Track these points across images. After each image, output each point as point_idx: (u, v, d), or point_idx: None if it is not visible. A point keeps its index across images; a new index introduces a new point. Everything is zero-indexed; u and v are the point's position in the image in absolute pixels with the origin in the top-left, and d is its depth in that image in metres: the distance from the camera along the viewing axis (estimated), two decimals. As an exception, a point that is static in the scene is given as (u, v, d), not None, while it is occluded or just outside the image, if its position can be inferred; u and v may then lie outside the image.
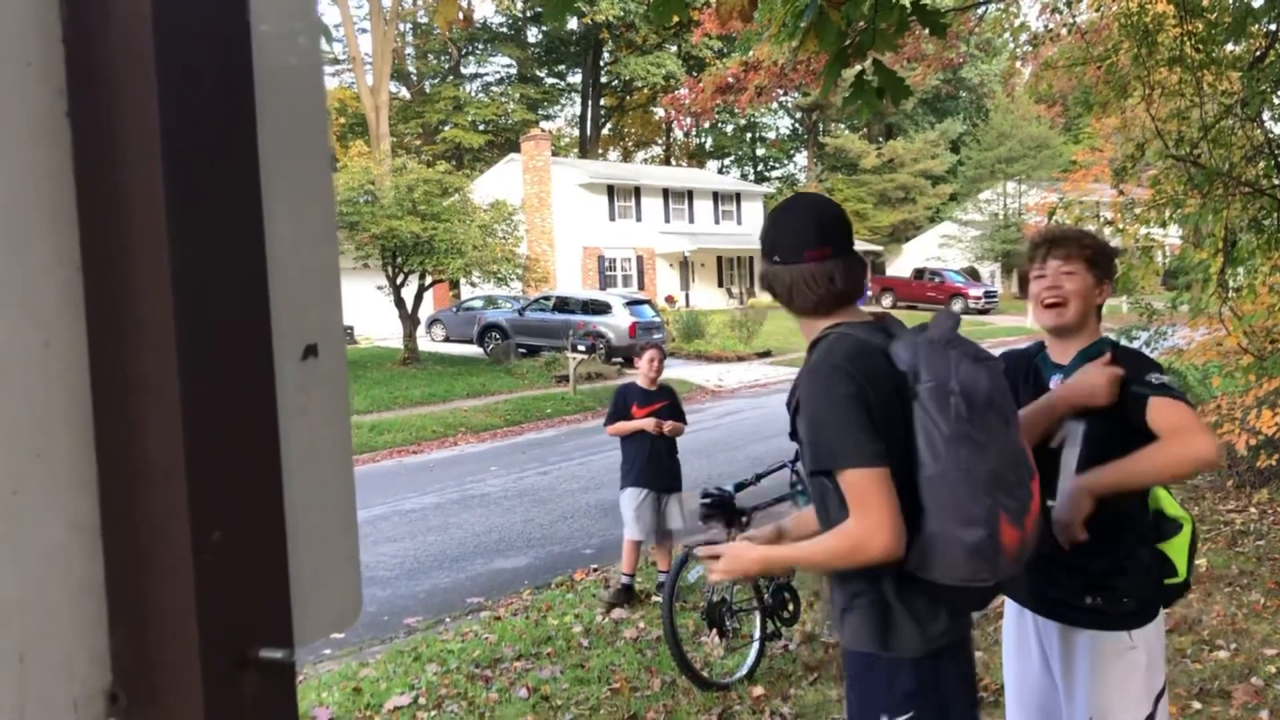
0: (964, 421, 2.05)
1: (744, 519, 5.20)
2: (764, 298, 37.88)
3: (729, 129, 57.57)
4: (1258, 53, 7.67)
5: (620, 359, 21.79)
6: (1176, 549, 2.62)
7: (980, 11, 11.52)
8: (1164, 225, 8.67)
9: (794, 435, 2.28)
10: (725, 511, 5.13)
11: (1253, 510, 7.36)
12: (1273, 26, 7.41)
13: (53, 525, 0.73)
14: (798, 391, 2.21)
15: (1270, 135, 7.59)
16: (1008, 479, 2.08)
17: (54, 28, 0.74)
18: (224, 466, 0.77)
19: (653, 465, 6.35)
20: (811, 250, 2.22)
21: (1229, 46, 7.89)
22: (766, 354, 25.19)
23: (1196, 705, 4.23)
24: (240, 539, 0.78)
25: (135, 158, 0.73)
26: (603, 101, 58.06)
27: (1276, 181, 7.32)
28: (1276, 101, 7.55)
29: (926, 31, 4.06)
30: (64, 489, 0.74)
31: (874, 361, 2.13)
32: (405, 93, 53.17)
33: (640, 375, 6.56)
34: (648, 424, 6.32)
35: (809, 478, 2.27)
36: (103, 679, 0.76)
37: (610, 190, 38.05)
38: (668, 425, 6.38)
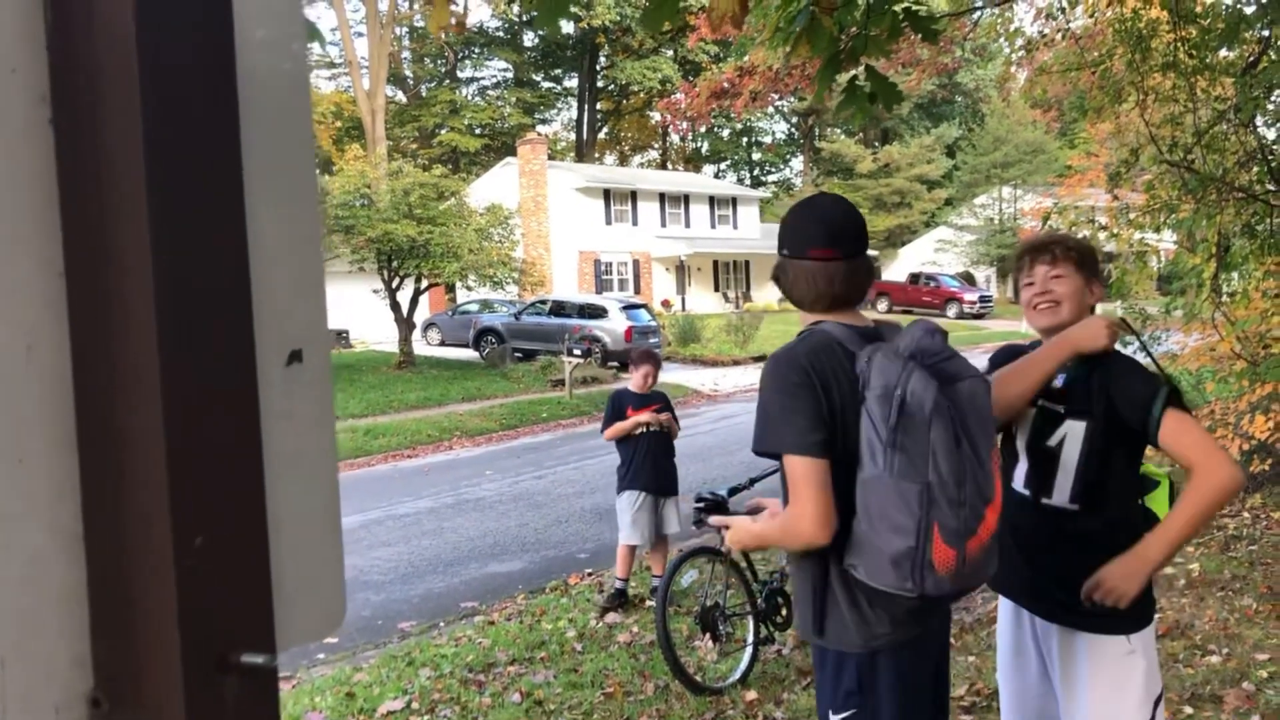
0: (901, 432, 2.08)
1: (737, 523, 5.20)
2: (760, 301, 37.92)
3: (725, 133, 57.66)
4: (1251, 59, 7.69)
5: (616, 363, 21.80)
6: (1158, 502, 2.64)
7: (975, 16, 11.55)
8: (1158, 230, 8.69)
9: None
10: (719, 515, 5.12)
11: (1246, 515, 7.37)
12: (1265, 33, 7.43)
13: (34, 530, 0.73)
14: None
15: (1263, 141, 7.61)
16: (948, 496, 2.08)
17: (38, 34, 0.74)
18: (207, 472, 0.77)
19: (650, 468, 6.36)
20: (817, 250, 2.28)
21: (1222, 52, 7.90)
22: (762, 358, 25.10)
23: (1188, 710, 4.23)
24: (223, 544, 0.78)
25: (118, 164, 0.74)
26: (599, 105, 58.13)
27: (1270, 187, 7.34)
28: (1269, 107, 7.57)
29: (919, 37, 4.07)
30: (46, 494, 0.74)
31: (837, 360, 2.19)
32: (401, 96, 53.18)
33: (633, 384, 6.57)
34: (645, 417, 6.33)
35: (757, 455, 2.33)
36: (84, 683, 0.76)
37: (606, 194, 38.07)
38: (665, 415, 6.41)
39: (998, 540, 2.22)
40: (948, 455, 2.09)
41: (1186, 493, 2.45)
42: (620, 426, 6.39)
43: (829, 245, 2.27)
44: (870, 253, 2.41)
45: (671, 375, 22.08)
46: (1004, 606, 2.89)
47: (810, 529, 2.11)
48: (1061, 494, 2.60)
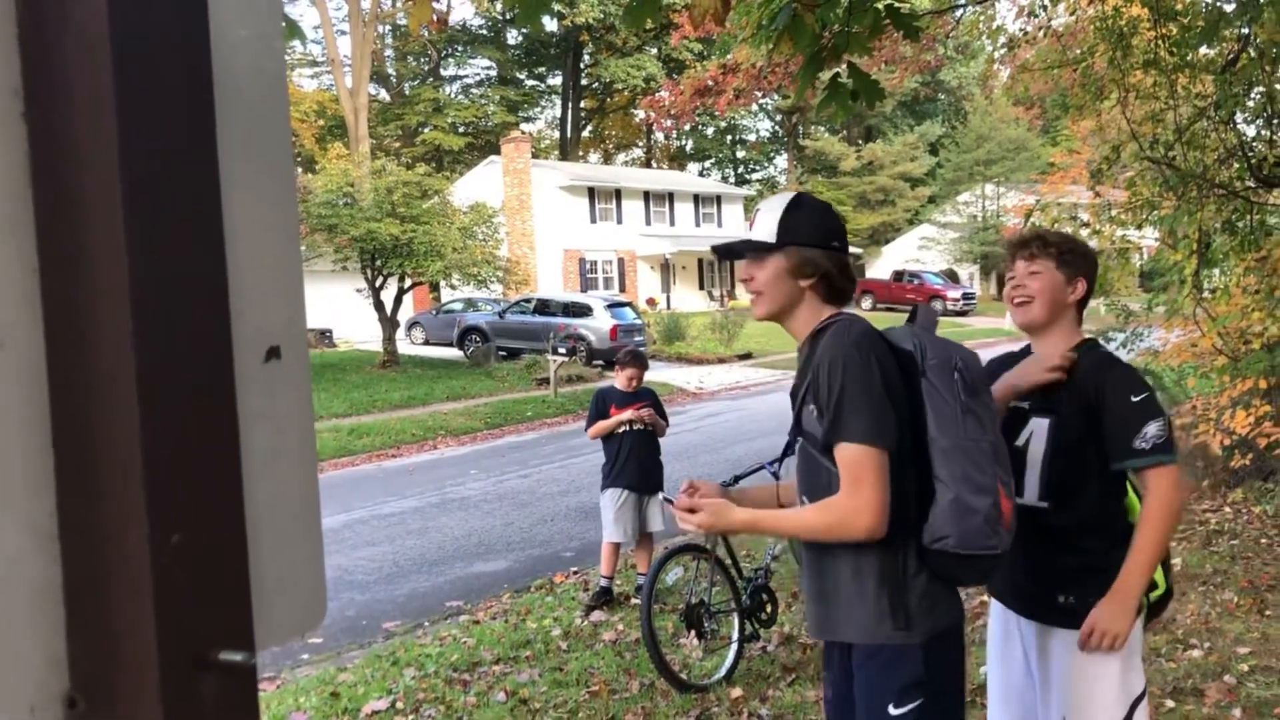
0: (970, 396, 2.18)
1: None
2: (744, 300, 37.92)
3: (709, 131, 57.62)
4: (1230, 56, 7.74)
5: (601, 361, 21.79)
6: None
7: (957, 14, 11.58)
8: (1140, 227, 8.74)
9: (797, 426, 2.32)
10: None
11: (1227, 510, 7.42)
12: (1245, 30, 7.48)
13: (9, 528, 0.73)
14: (816, 375, 2.23)
15: (1243, 138, 7.66)
16: (1002, 452, 2.22)
17: (9, 28, 0.73)
18: (184, 469, 0.76)
19: (634, 466, 6.34)
20: (838, 241, 2.35)
21: (1202, 50, 7.96)
22: (747, 356, 25.22)
23: (1170, 704, 4.26)
24: (200, 541, 0.77)
25: (93, 159, 0.73)
26: (583, 104, 58.05)
27: (1250, 184, 7.39)
28: (1249, 104, 7.63)
29: (901, 35, 4.08)
30: (20, 491, 0.73)
31: (881, 343, 2.24)
32: (384, 95, 53.00)
33: (619, 383, 6.54)
34: (628, 415, 6.30)
35: (817, 453, 2.27)
36: (60, 684, 0.75)
37: (591, 193, 38.04)
38: (647, 412, 6.35)
39: None
40: (992, 415, 2.24)
41: (1143, 514, 2.52)
42: (603, 424, 6.38)
43: (842, 237, 2.39)
44: (855, 251, 2.45)
45: (656, 373, 22.03)
46: (994, 601, 2.91)
47: (872, 522, 2.11)
48: (1031, 492, 2.62)
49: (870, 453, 2.12)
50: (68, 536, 0.75)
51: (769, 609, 5.44)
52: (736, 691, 4.86)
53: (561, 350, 20.68)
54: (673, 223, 40.64)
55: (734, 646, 5.18)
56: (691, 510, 2.31)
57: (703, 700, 4.80)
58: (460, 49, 54.78)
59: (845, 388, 2.16)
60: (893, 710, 2.20)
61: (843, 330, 2.24)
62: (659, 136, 59.89)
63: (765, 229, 2.33)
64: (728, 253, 2.43)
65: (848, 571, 2.24)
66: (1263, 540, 6.61)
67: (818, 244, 2.31)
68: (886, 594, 2.19)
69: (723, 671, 5.07)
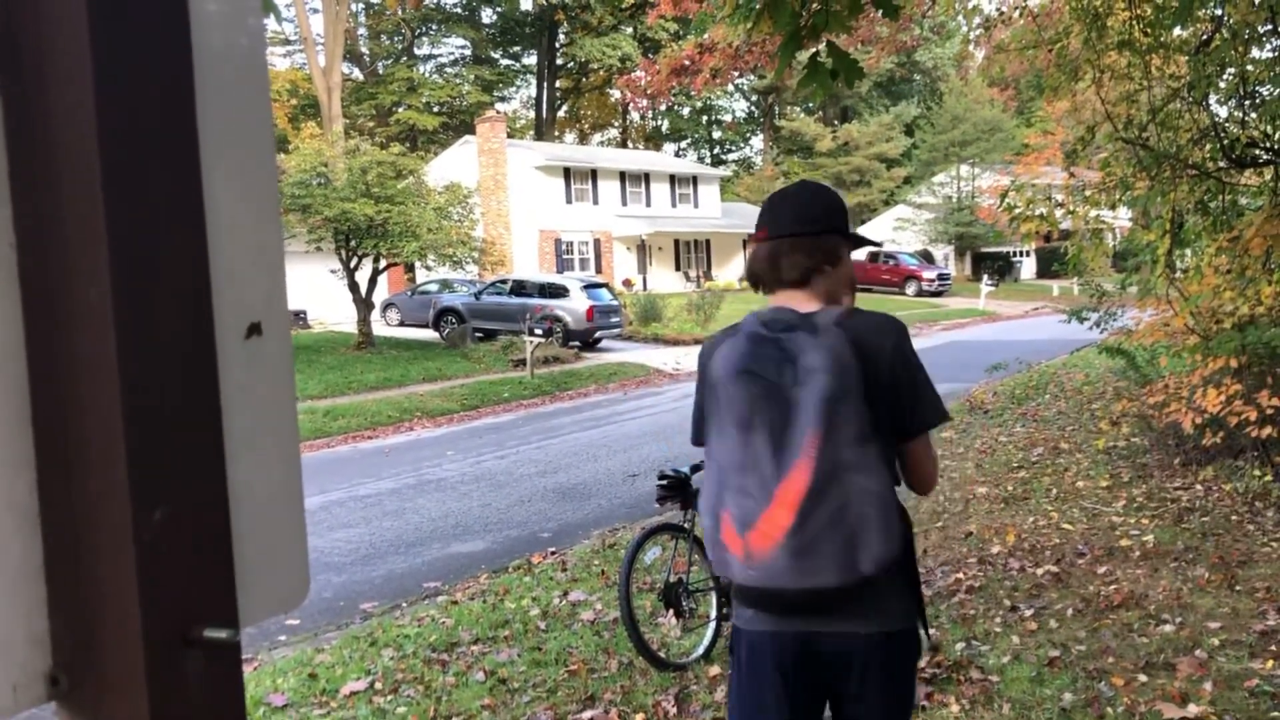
0: (711, 404, 2.16)
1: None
2: (721, 280, 37.95)
3: (685, 112, 57.57)
4: (1204, 37, 7.79)
5: (578, 343, 21.79)
6: None
7: (934, -6, 11.57)
8: (1113, 207, 8.81)
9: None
10: (681, 492, 5.15)
11: (1198, 487, 7.51)
12: (1218, 12, 7.53)
13: (-12, 506, 0.72)
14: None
15: (1216, 119, 7.70)
16: (732, 481, 2.05)
17: (-17, -4, 0.72)
18: (165, 444, 0.76)
19: None
20: (758, 229, 2.39)
21: (1176, 31, 7.99)
22: (723, 337, 25.24)
23: (1142, 678, 4.31)
24: (183, 518, 0.76)
25: (69, 130, 0.72)
26: (558, 83, 57.80)
27: (1222, 164, 7.44)
28: (1222, 85, 7.67)
29: (880, 14, 4.08)
30: (0, 468, 0.72)
31: (708, 347, 2.33)
32: (358, 74, 52.57)
33: None
34: None
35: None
36: (43, 662, 0.74)
37: (567, 173, 37.90)
38: None
39: (806, 541, 1.96)
40: (738, 436, 2.04)
41: None
42: None
43: (761, 226, 2.33)
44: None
45: (633, 354, 22.13)
46: None
47: None
48: None
49: None
50: (48, 513, 0.74)
51: (747, 588, 5.46)
52: (715, 669, 4.89)
53: (538, 331, 20.64)
54: (649, 203, 40.58)
55: (712, 625, 5.21)
56: None
57: (681, 678, 4.83)
58: (434, 28, 54.37)
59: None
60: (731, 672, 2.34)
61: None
62: (635, 116, 59.77)
63: None
64: None
65: None
66: (1233, 517, 6.70)
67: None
68: None
69: (701, 650, 5.10)
